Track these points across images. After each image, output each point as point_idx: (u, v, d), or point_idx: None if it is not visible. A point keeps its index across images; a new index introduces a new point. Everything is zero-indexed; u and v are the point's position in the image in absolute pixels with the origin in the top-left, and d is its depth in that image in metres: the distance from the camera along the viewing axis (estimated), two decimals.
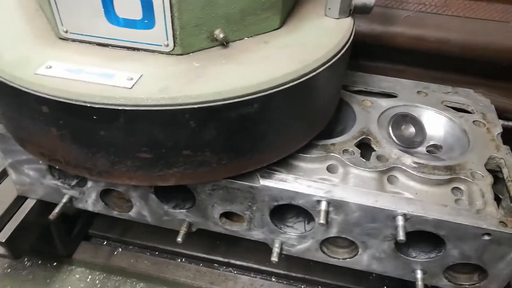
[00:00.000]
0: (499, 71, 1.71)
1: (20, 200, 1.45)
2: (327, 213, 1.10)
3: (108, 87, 0.85)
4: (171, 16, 0.88)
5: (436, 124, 1.42)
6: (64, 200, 1.35)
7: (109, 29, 0.93)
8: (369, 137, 1.29)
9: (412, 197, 1.15)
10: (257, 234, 1.27)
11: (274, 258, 1.24)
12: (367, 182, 1.17)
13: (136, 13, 0.90)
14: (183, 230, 1.28)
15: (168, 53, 0.95)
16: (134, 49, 0.96)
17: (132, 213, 1.33)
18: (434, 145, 1.39)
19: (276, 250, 1.25)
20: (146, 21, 0.90)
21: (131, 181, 0.96)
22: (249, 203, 1.17)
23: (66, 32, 0.96)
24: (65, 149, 0.93)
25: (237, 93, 0.87)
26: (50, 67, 0.89)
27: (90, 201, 1.36)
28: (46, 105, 0.86)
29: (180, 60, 0.94)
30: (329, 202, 1.11)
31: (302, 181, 1.13)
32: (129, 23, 0.91)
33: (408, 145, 1.37)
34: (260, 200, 1.15)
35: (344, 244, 1.27)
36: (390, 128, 1.40)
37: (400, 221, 1.08)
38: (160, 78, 0.88)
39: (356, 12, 1.14)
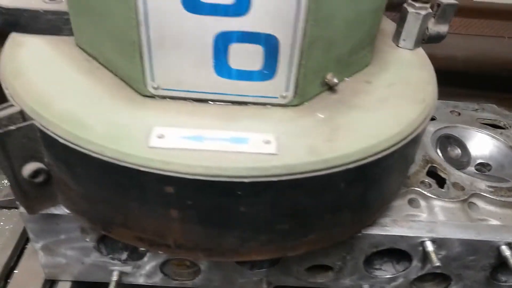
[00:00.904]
0: (502, 83, 1.79)
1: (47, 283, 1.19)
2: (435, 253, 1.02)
3: (251, 155, 0.69)
4: (298, 64, 0.75)
5: (479, 142, 1.42)
6: (115, 277, 1.12)
7: (216, 82, 0.77)
8: (434, 164, 1.25)
9: (499, 222, 1.12)
10: (344, 283, 1.16)
11: None
12: (456, 214, 1.11)
13: (255, 64, 0.75)
14: None
15: (282, 105, 0.81)
16: (241, 103, 0.81)
17: (198, 280, 1.15)
18: (481, 164, 1.39)
19: None
20: (265, 71, 0.76)
21: (258, 256, 0.80)
22: (344, 254, 1.06)
23: (157, 88, 0.78)
24: (184, 232, 0.75)
25: (385, 145, 0.76)
26: (163, 136, 0.71)
27: (144, 274, 1.15)
28: (172, 185, 0.67)
29: (300, 112, 0.81)
30: (433, 241, 1.03)
31: (401, 223, 1.05)
32: (244, 75, 0.76)
33: (457, 166, 1.35)
34: (358, 249, 1.05)
35: (430, 278, 1.20)
36: (439, 152, 1.37)
37: (506, 251, 1.03)
38: (297, 137, 0.74)
39: (428, 41, 1.09)
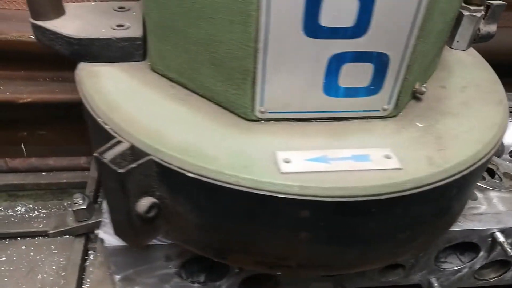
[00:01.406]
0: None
1: None
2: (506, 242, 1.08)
3: (379, 172, 0.71)
4: (403, 78, 0.77)
5: (510, 130, 1.49)
6: None
7: (323, 101, 0.78)
8: None
9: None
10: (413, 279, 1.20)
11: None
12: None
13: (363, 81, 0.77)
14: None
15: (382, 117, 0.83)
16: (341, 118, 0.82)
17: None
18: None
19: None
20: (372, 87, 0.78)
21: (373, 265, 0.83)
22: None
23: (264, 112, 0.78)
24: (309, 252, 0.76)
25: (488, 148, 0.80)
26: (289, 160, 0.71)
27: None
28: (308, 208, 0.68)
29: (399, 123, 0.83)
30: (502, 231, 1.09)
31: (471, 218, 1.10)
32: (351, 92, 0.78)
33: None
34: (433, 246, 1.09)
35: (489, 265, 1.26)
36: None
37: None
38: (410, 149, 0.77)
39: (479, 41, 1.14)
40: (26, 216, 1.97)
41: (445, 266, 1.19)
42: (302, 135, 0.78)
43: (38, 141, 1.93)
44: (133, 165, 0.70)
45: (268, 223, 0.71)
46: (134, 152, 0.74)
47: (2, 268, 1.64)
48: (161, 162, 0.71)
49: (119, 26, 0.93)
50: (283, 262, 0.78)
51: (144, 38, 0.92)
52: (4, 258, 1.67)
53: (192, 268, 1.10)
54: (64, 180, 1.99)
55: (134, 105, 0.82)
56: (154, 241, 0.94)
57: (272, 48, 0.69)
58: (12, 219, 1.86)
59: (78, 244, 1.33)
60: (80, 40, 0.90)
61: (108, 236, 0.98)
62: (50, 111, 1.74)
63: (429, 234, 0.83)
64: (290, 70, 0.72)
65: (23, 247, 1.73)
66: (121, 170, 0.68)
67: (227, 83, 0.77)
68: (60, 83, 1.73)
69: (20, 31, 1.54)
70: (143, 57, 0.95)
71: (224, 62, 0.75)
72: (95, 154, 0.71)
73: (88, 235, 1.35)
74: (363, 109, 0.81)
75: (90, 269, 1.32)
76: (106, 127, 0.78)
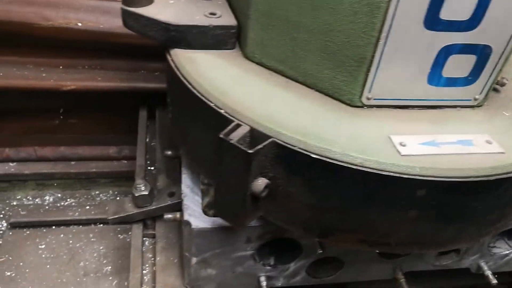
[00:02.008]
0: None
1: None
2: None
3: (486, 155, 0.77)
4: (499, 70, 0.84)
5: None
6: (264, 282, 1.15)
7: (424, 90, 0.83)
8: None
9: None
10: (464, 263, 1.27)
11: (493, 280, 1.25)
12: None
13: (464, 71, 0.82)
14: (401, 277, 1.21)
15: (471, 106, 0.89)
16: (436, 107, 0.88)
17: (336, 275, 1.21)
18: None
19: (487, 272, 1.27)
20: (470, 77, 0.83)
21: (458, 245, 0.90)
22: None
23: (369, 99, 0.83)
24: (412, 231, 0.81)
25: None
26: (405, 144, 0.76)
27: (287, 276, 1.19)
28: (424, 188, 0.73)
29: (488, 112, 0.89)
30: None
31: None
32: (450, 82, 0.83)
33: None
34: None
35: None
36: None
37: None
38: (504, 135, 0.83)
39: None
40: (56, 205, 1.97)
41: (494, 250, 1.27)
42: (405, 121, 0.83)
43: (69, 130, 1.93)
44: (260, 146, 0.74)
45: (383, 202, 0.76)
46: (253, 135, 0.78)
47: (43, 256, 1.64)
48: (284, 144, 0.74)
49: (211, 14, 0.96)
50: (384, 240, 0.83)
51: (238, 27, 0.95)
52: (43, 246, 1.68)
53: (263, 251, 1.14)
54: (94, 170, 2.00)
55: (241, 90, 0.85)
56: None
57: (392, 38, 0.74)
58: (43, 208, 1.86)
59: (137, 229, 1.35)
60: (178, 26, 0.92)
61: (193, 219, 1.01)
62: (91, 99, 1.74)
63: (510, 214, 0.90)
64: (403, 59, 0.77)
65: (62, 235, 1.74)
66: (250, 151, 0.72)
67: (336, 70, 0.81)
68: (100, 71, 1.74)
69: (67, 18, 1.54)
70: (233, 45, 0.98)
71: (339, 50, 0.79)
72: (221, 136, 0.75)
73: (145, 221, 1.37)
74: (457, 98, 0.86)
75: (148, 255, 1.34)
76: (221, 111, 0.81)
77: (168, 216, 1.19)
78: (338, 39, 0.78)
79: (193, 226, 0.99)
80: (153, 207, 1.30)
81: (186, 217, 1.01)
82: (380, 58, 0.76)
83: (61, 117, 1.90)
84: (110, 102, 1.85)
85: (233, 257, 1.09)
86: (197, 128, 0.91)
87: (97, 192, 2.08)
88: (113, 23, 1.59)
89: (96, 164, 2.04)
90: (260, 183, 0.79)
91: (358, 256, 1.14)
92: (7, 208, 1.90)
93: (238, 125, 0.78)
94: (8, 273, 1.56)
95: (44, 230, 1.76)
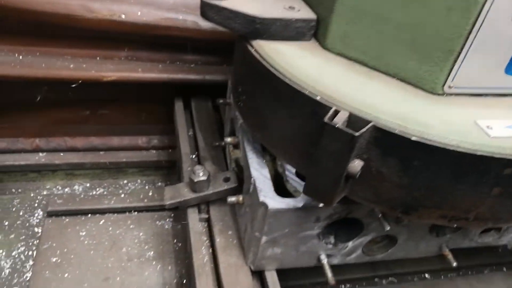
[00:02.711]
0: None
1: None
2: None
3: None
4: None
5: None
6: (325, 259, 1.22)
7: (501, 79, 0.91)
8: None
9: None
10: (503, 240, 1.37)
11: None
12: None
13: None
14: (448, 253, 1.30)
15: None
16: (506, 95, 0.96)
17: (388, 252, 1.29)
18: None
19: None
20: None
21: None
22: None
23: (451, 87, 0.90)
24: (491, 206, 0.89)
25: None
26: (491, 127, 0.84)
27: (343, 254, 1.26)
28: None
29: None
30: None
31: None
32: None
33: None
34: None
35: None
36: None
37: None
38: None
39: None
40: (88, 194, 1.98)
41: None
42: (485, 107, 0.90)
43: (99, 121, 1.94)
44: (364, 130, 0.80)
45: (471, 180, 0.83)
46: (350, 120, 0.84)
47: (86, 242, 1.67)
48: (384, 128, 0.81)
49: (290, 7, 1.01)
50: (464, 215, 0.91)
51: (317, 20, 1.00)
52: (84, 233, 1.70)
53: (325, 230, 1.20)
54: (124, 160, 2.01)
55: (331, 78, 0.90)
56: (309, 203, 1.04)
57: (481, 32, 0.81)
58: (76, 197, 1.87)
59: (193, 213, 1.39)
60: (263, 19, 0.97)
61: (269, 200, 1.06)
62: (127, 90, 1.76)
63: None
64: (487, 51, 0.84)
65: (101, 223, 1.76)
66: (357, 133, 0.78)
67: (422, 62, 0.88)
68: (138, 62, 1.76)
69: (111, 10, 1.55)
70: (311, 37, 1.03)
71: (427, 43, 0.85)
72: (326, 121, 0.80)
73: (199, 206, 1.41)
74: None
75: (203, 237, 1.38)
76: (317, 98, 0.86)
77: (232, 199, 1.24)
78: (428, 33, 0.84)
79: (269, 207, 1.04)
80: (210, 192, 1.34)
81: (261, 198, 1.06)
82: (468, 50, 0.83)
83: (93, 108, 1.91)
84: (144, 93, 1.87)
85: (299, 237, 1.15)
86: (285, 114, 0.96)
87: (125, 182, 2.10)
88: (155, 15, 1.60)
89: (125, 154, 2.05)
90: (357, 164, 0.85)
91: (412, 233, 1.22)
92: (40, 197, 1.90)
93: (337, 111, 0.83)
94: (54, 259, 1.58)
95: (83, 218, 1.77)
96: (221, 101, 1.45)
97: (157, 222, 1.81)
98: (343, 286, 1.76)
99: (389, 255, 1.30)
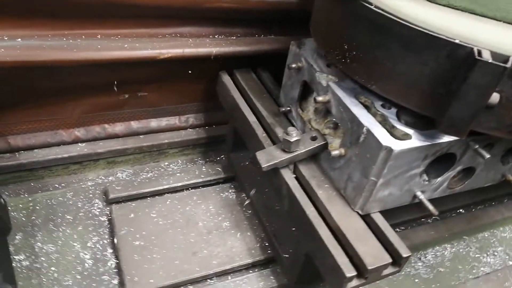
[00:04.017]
0: None
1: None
2: None
3: None
4: None
5: None
6: (421, 195, 1.37)
7: None
8: None
9: None
10: None
11: None
12: None
13: None
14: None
15: None
16: None
17: (464, 184, 1.47)
18: None
19: None
20: None
21: None
22: None
23: None
24: None
25: None
26: None
27: (432, 189, 1.42)
28: None
29: None
30: None
31: None
32: None
33: None
34: None
35: None
36: None
37: None
38: None
39: None
40: (132, 180, 1.97)
41: None
42: None
43: (138, 104, 1.94)
44: (508, 65, 0.94)
45: None
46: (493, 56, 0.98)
47: (161, 223, 1.70)
48: None
49: None
50: None
51: None
52: (155, 214, 1.72)
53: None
54: (166, 141, 2.03)
55: (458, 25, 1.03)
56: (419, 143, 1.18)
57: None
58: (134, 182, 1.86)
59: (287, 173, 1.46)
60: None
61: (391, 143, 1.17)
62: (176, 68, 1.77)
63: None
64: None
65: (168, 202, 1.79)
66: (508, 65, 0.92)
67: None
68: (182, 38, 1.77)
69: None
70: None
71: None
72: (477, 57, 0.93)
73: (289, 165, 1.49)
74: None
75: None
76: (456, 41, 0.99)
77: (335, 152, 1.34)
78: None
79: (394, 150, 1.16)
80: (303, 151, 1.43)
81: (384, 143, 1.17)
82: None
83: (132, 90, 1.89)
84: (183, 71, 1.88)
85: (406, 176, 1.28)
86: (415, 61, 1.07)
87: (166, 163, 2.11)
88: None
89: (165, 135, 2.06)
90: (496, 96, 1.00)
91: (487, 163, 1.41)
92: (92, 188, 1.87)
93: (479, 50, 0.97)
94: (137, 243, 1.60)
95: (148, 200, 1.79)
96: (293, 65, 1.53)
97: (221, 194, 1.87)
98: (397, 229, 1.94)
99: (465, 186, 1.48)
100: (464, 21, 1.06)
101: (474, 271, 1.81)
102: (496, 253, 1.90)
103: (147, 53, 1.62)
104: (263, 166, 1.42)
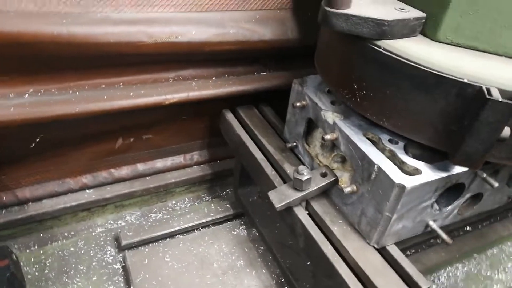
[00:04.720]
0: None
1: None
2: None
3: None
4: None
5: None
6: (434, 225, 1.37)
7: None
8: None
9: None
10: None
11: None
12: None
13: None
14: None
15: None
16: None
17: (473, 209, 1.48)
18: None
19: None
20: None
21: None
22: None
23: None
24: None
25: None
26: None
27: (444, 217, 1.42)
28: None
29: None
30: None
31: None
32: None
33: None
34: None
35: None
36: None
37: None
38: None
39: None
40: (140, 223, 1.94)
41: None
42: None
43: (143, 146, 1.93)
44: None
45: None
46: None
47: (176, 267, 1.67)
48: None
49: (401, 9, 1.15)
50: None
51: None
52: (169, 258, 1.70)
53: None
54: (172, 180, 2.02)
55: (464, 64, 1.05)
56: (430, 178, 1.19)
57: None
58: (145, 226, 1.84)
59: (300, 211, 1.46)
60: (391, 21, 1.09)
61: (403, 180, 1.18)
62: (181, 110, 1.77)
63: None
64: None
65: (180, 245, 1.77)
66: None
67: None
68: (185, 81, 1.78)
69: (168, 32, 1.57)
70: (418, 32, 1.17)
71: None
72: (488, 97, 0.95)
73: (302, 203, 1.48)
74: None
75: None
76: (464, 80, 1.01)
77: (348, 189, 1.34)
78: None
79: (407, 186, 1.16)
80: (314, 188, 1.43)
81: (397, 180, 1.17)
82: None
83: (137, 134, 1.88)
84: (187, 111, 1.88)
85: (419, 209, 1.29)
86: (425, 98, 1.08)
87: (173, 202, 2.10)
88: (207, 32, 1.64)
89: (172, 175, 2.05)
90: (507, 130, 1.01)
91: (494, 188, 1.42)
92: (102, 235, 1.84)
93: (488, 89, 0.99)
94: None
95: (161, 244, 1.76)
96: (297, 104, 1.53)
97: (232, 232, 1.85)
98: (408, 252, 1.93)
99: (474, 211, 1.49)
100: (468, 58, 1.08)
101: None
102: (507, 269, 1.90)
103: (153, 100, 1.62)
104: (276, 206, 1.41)
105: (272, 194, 1.45)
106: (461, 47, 1.14)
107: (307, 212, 1.49)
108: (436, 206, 1.37)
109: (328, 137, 1.40)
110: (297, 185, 1.42)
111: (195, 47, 1.63)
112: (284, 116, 1.82)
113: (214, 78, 1.83)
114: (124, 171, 1.94)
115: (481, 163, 1.06)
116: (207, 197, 2.12)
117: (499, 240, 1.99)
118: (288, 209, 1.48)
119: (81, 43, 1.41)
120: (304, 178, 1.40)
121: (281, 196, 1.44)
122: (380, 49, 1.12)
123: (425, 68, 1.05)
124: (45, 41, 1.33)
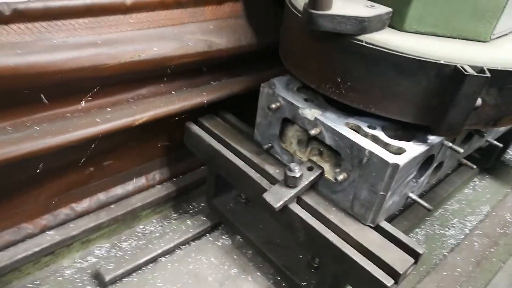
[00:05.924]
0: None
1: None
2: None
3: None
4: None
5: None
6: (414, 195, 1.52)
7: None
8: None
9: None
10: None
11: None
12: None
13: None
14: (466, 162, 1.76)
15: None
16: None
17: (436, 176, 1.68)
18: None
19: None
20: None
21: None
22: None
23: (494, 35, 1.30)
24: None
25: None
26: None
27: (418, 188, 1.59)
28: None
29: None
30: None
31: None
32: None
33: None
34: None
35: None
36: None
37: None
38: None
39: None
40: (116, 254, 1.81)
41: None
42: None
43: (103, 174, 1.83)
44: (487, 74, 1.13)
45: None
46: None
47: None
48: (492, 68, 1.16)
49: (371, 6, 1.26)
50: None
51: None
52: (161, 284, 1.63)
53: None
54: (139, 204, 1.94)
55: (432, 48, 1.20)
56: (416, 153, 1.33)
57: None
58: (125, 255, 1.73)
59: (296, 207, 1.50)
60: (370, 18, 1.20)
61: (394, 159, 1.30)
62: (132, 131, 1.69)
63: None
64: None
65: (168, 266, 1.70)
66: (488, 75, 1.11)
67: (478, 21, 1.24)
68: (150, 98, 1.71)
69: (131, 51, 1.50)
70: (385, 25, 1.30)
71: (483, 7, 1.22)
72: (467, 73, 1.10)
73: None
74: None
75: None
76: (441, 61, 1.15)
77: (340, 177, 1.42)
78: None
79: (400, 164, 1.28)
80: (306, 183, 1.48)
81: (389, 160, 1.29)
82: (504, 7, 1.23)
83: (97, 162, 1.76)
84: (146, 131, 1.81)
85: (405, 183, 1.42)
86: (409, 82, 1.20)
87: (141, 227, 2.00)
88: (168, 47, 1.60)
89: (136, 199, 1.95)
90: (479, 100, 1.18)
91: (452, 154, 1.63)
92: (76, 276, 1.68)
93: (462, 66, 1.15)
94: None
95: (148, 270, 1.68)
96: (273, 106, 1.57)
97: (217, 242, 1.82)
98: None
99: (437, 178, 1.68)
100: (435, 43, 1.24)
101: (445, 245, 2.04)
102: (454, 225, 2.17)
103: (122, 123, 1.53)
104: (275, 206, 1.44)
105: (267, 196, 1.47)
106: (424, 34, 1.29)
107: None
108: (414, 179, 1.51)
109: (313, 132, 1.46)
110: (291, 182, 1.46)
111: (159, 63, 1.58)
112: (246, 120, 1.84)
113: (174, 92, 1.78)
114: (87, 203, 1.79)
115: (461, 130, 1.22)
116: (174, 215, 2.04)
117: (441, 201, 2.27)
118: (283, 208, 1.51)
119: (40, 72, 1.27)
120: (298, 174, 1.44)
121: (276, 196, 1.47)
122: (363, 43, 1.22)
123: (407, 55, 1.17)
124: (3, 75, 1.18)
